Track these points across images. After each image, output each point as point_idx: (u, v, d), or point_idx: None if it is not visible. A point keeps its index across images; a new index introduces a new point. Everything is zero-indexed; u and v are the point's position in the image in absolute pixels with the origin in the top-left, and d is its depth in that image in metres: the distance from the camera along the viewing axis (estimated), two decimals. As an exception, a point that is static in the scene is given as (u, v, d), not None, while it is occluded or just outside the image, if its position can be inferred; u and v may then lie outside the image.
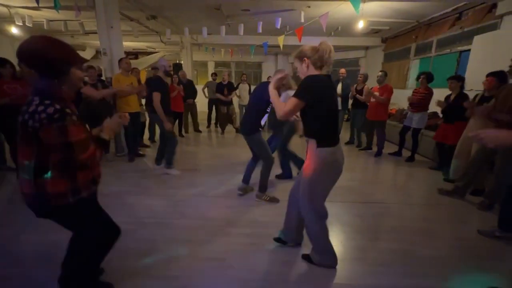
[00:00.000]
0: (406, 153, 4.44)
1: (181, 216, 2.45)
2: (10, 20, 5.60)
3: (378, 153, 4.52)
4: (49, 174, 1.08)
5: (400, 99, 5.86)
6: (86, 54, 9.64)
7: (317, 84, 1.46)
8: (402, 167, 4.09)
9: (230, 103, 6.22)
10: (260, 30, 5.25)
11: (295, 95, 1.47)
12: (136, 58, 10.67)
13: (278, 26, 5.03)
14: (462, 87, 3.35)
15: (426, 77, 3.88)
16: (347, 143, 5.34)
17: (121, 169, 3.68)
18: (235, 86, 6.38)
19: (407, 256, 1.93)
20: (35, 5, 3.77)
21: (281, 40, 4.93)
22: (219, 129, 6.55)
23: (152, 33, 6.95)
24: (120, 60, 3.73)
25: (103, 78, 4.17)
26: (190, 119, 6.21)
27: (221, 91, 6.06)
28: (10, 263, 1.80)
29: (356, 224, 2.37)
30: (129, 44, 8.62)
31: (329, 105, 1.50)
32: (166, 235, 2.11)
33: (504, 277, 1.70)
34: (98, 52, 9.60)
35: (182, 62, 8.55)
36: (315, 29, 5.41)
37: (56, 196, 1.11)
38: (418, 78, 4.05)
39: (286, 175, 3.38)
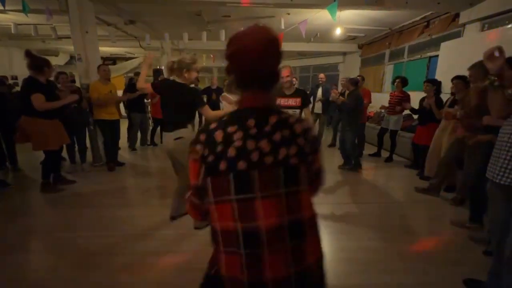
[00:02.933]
0: (384, 153, 4.64)
1: (166, 227, 2.37)
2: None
3: (359, 155, 4.67)
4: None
5: (378, 102, 6.13)
6: (60, 60, 9.18)
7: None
8: (381, 167, 4.26)
9: (219, 108, 6.16)
10: (241, 36, 5.30)
11: None
12: (114, 63, 10.33)
13: (259, 32, 5.11)
14: (438, 90, 3.54)
15: (401, 81, 4.11)
16: (330, 146, 5.48)
17: (99, 180, 3.51)
18: (215, 88, 6.32)
19: (389, 254, 1.99)
20: (1, 8, 3.54)
21: (262, 46, 5.00)
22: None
23: (131, 38, 6.78)
24: (98, 67, 3.57)
25: (77, 85, 3.98)
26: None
27: (209, 95, 6.00)
28: None
29: (338, 225, 2.43)
30: (107, 49, 8.33)
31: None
32: (149, 248, 2.03)
33: (475, 266, 1.81)
34: (72, 57, 9.19)
35: (162, 67, 8.40)
36: (295, 35, 5.55)
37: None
38: (393, 82, 4.28)
39: None
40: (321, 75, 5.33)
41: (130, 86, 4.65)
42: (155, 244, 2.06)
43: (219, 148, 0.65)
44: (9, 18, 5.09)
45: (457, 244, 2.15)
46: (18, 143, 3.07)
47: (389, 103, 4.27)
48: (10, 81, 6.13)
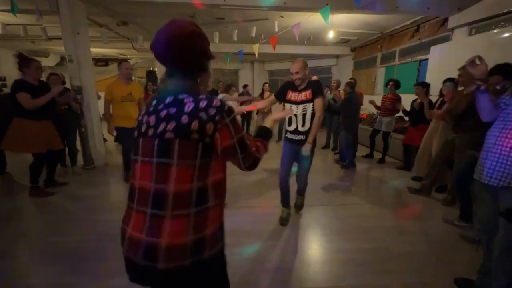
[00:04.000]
0: (377, 155, 4.70)
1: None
2: (-42, 23, 5.07)
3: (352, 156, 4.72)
4: (210, 202, 0.76)
5: (369, 104, 6.22)
6: (50, 61, 9.00)
7: None
8: (374, 168, 4.31)
9: None
10: (235, 38, 5.31)
11: None
12: (106, 65, 10.20)
13: (253, 35, 5.13)
14: (427, 92, 3.64)
15: (395, 84, 4.19)
16: (324, 148, 5.53)
17: (91, 183, 3.44)
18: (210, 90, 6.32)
19: (382, 254, 2.01)
20: (-11, 7, 3.46)
21: (256, 48, 5.02)
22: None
23: (124, 39, 6.70)
24: (119, 64, 3.06)
25: (67, 86, 3.91)
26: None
27: None
28: None
29: (334, 227, 2.44)
30: (99, 50, 8.21)
31: None
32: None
33: (467, 265, 1.84)
34: (63, 58, 9.02)
35: (156, 69, 8.33)
36: (288, 38, 5.59)
37: (212, 240, 0.76)
38: (387, 84, 4.36)
39: None
40: (314, 77, 5.38)
41: None
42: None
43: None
44: (-3, 18, 4.97)
45: (449, 243, 2.19)
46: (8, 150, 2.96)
47: (382, 105, 4.34)
48: (-2, 83, 5.96)
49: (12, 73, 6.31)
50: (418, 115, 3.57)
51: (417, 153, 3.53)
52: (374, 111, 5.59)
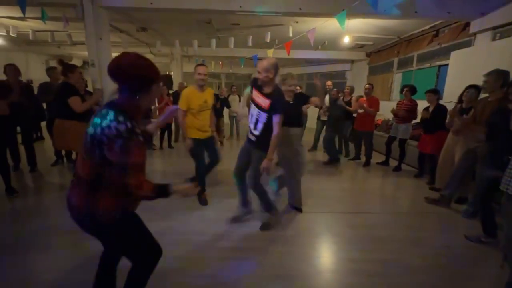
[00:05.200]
0: (393, 162, 4.56)
1: (171, 231, 2.37)
2: (-7, 29, 5.48)
3: (367, 163, 4.62)
4: (102, 190, 1.05)
5: (385, 110, 6.08)
6: (73, 65, 9.45)
7: None
8: (389, 176, 4.18)
9: (221, 115, 6.25)
10: (250, 43, 5.37)
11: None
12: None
13: (268, 40, 5.17)
14: (438, 99, 3.55)
15: (410, 90, 4.08)
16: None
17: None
18: (223, 98, 6.37)
19: (398, 266, 1.94)
20: (21, 15, 3.70)
21: (270, 53, 5.04)
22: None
23: (142, 44, 6.95)
24: (195, 68, 2.69)
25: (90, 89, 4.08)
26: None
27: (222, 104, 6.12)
28: None
29: (347, 235, 2.38)
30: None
31: None
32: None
33: (489, 282, 1.74)
34: (85, 63, 9.45)
35: (172, 73, 8.56)
36: (303, 43, 5.58)
37: (104, 214, 1.06)
38: (402, 90, 4.24)
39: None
40: (328, 83, 5.34)
41: None
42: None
43: None
44: (28, 25, 5.30)
45: (469, 258, 2.07)
46: (58, 148, 3.19)
47: (397, 112, 4.22)
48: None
49: (39, 76, 6.69)
50: (435, 122, 3.45)
51: (431, 160, 3.40)
52: (389, 116, 5.47)
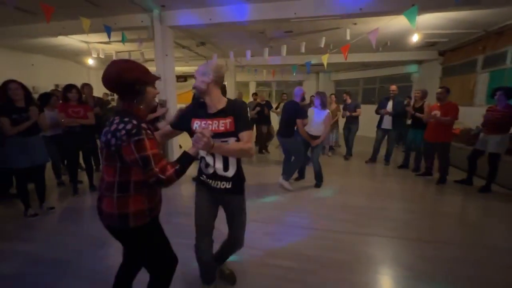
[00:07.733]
0: (478, 182, 3.76)
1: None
2: (87, 53, 6.73)
3: (442, 181, 3.91)
4: (131, 192, 1.12)
5: (466, 117, 5.11)
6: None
7: None
8: (474, 198, 3.43)
9: (270, 123, 6.23)
10: (303, 50, 5.24)
11: None
12: (185, 80, 11.62)
13: (322, 45, 4.95)
14: None
15: (505, 93, 3.31)
16: (400, 167, 4.80)
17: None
18: (273, 105, 6.36)
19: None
20: (107, 40, 4.41)
21: (325, 59, 4.80)
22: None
23: (200, 57, 7.51)
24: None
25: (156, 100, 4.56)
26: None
27: (262, 110, 6.13)
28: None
29: (418, 268, 2.00)
30: (180, 68, 9.46)
31: None
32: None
33: None
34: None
35: (225, 83, 9.01)
36: (359, 46, 5.16)
37: (136, 216, 1.13)
38: (493, 95, 3.46)
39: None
40: (393, 87, 4.80)
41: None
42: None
43: None
44: (112, 48, 6.31)
45: None
46: None
47: (487, 120, 3.47)
48: (109, 97, 7.47)
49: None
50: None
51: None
52: (472, 125, 4.57)
